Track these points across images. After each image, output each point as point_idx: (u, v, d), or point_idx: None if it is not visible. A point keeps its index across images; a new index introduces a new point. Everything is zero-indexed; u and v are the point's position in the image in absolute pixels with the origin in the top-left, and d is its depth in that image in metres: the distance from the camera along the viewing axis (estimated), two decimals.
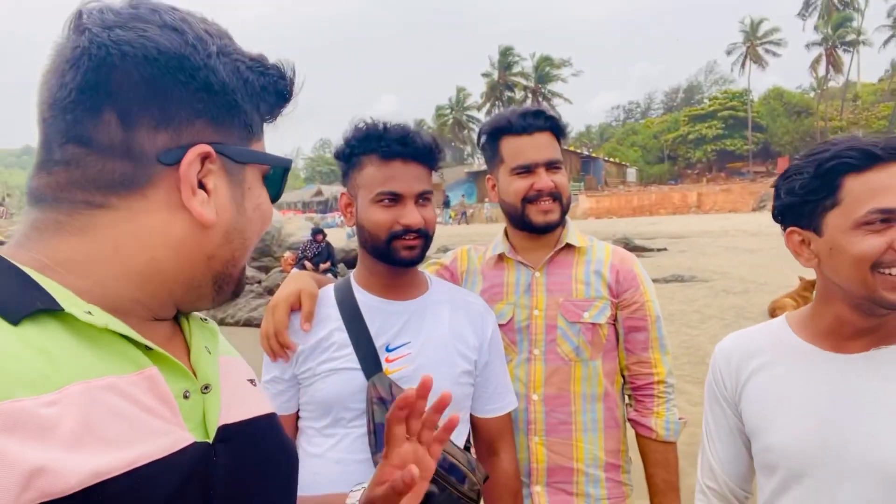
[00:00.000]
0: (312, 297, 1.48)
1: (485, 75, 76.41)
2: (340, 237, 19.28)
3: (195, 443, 0.64)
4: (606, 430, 1.68)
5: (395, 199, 1.40)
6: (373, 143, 1.40)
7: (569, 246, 1.74)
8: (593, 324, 1.66)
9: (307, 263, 11.95)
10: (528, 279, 1.73)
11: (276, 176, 0.76)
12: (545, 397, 1.67)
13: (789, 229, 1.18)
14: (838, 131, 50.26)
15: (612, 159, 64.02)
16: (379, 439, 1.33)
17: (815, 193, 1.10)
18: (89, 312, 0.60)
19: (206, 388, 0.70)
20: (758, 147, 59.02)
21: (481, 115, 78.90)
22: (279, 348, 1.44)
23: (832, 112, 58.87)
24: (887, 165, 1.04)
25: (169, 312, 0.71)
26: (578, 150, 67.92)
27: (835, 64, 59.18)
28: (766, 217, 29.41)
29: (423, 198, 1.43)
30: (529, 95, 75.88)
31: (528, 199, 1.68)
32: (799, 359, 1.20)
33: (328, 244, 12.91)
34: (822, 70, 59.55)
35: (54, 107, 0.63)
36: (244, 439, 0.72)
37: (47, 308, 0.58)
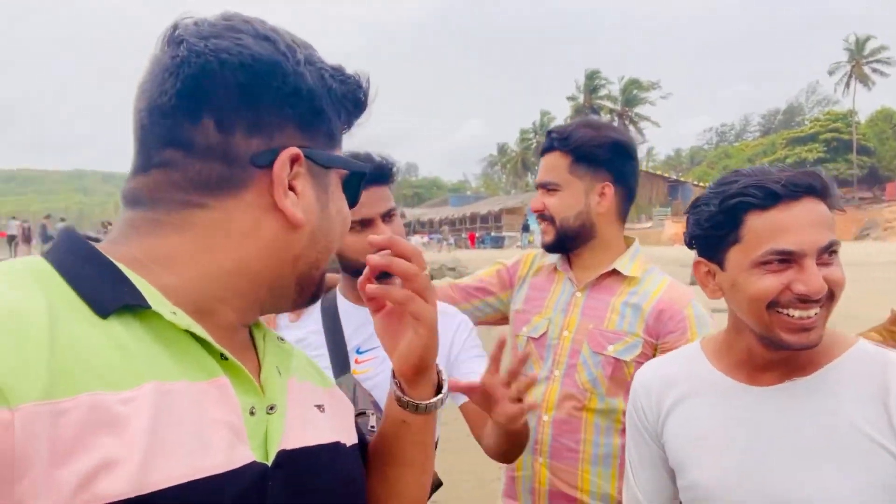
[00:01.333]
0: None
1: (570, 99, 75.96)
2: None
3: (253, 462, 0.63)
4: (624, 467, 1.61)
5: (365, 223, 1.48)
6: None
7: (619, 273, 1.68)
8: (616, 359, 1.60)
9: None
10: (569, 297, 1.73)
11: (354, 182, 0.79)
12: (555, 420, 1.65)
13: (696, 260, 1.18)
14: None
15: (701, 183, 61.72)
16: None
17: (719, 228, 1.09)
18: (174, 313, 0.61)
19: (272, 408, 0.69)
20: (864, 172, 55.23)
21: None
22: None
23: None
24: (789, 204, 1.02)
25: (252, 315, 0.73)
26: (666, 175, 66.03)
27: None
28: (869, 246, 27.38)
29: (388, 216, 1.51)
30: (616, 119, 74.69)
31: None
32: (715, 391, 1.18)
33: None
34: None
35: (153, 112, 0.66)
36: (303, 466, 0.69)
37: (136, 304, 0.60)
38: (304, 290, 0.75)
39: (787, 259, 1.02)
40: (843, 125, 56.30)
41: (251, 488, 0.61)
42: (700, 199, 1.15)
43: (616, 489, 1.60)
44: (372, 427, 1.41)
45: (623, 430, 1.59)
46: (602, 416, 1.62)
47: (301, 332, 1.56)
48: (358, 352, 1.53)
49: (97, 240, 0.68)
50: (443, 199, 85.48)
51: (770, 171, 1.08)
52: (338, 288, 1.65)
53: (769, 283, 1.03)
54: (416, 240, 25.61)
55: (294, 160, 0.69)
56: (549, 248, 1.74)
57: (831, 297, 1.03)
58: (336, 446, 0.78)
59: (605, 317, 1.65)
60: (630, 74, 73.46)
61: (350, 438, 0.83)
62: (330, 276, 1.73)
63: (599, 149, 1.68)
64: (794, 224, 1.01)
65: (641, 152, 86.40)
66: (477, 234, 50.14)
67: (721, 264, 1.12)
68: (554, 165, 1.70)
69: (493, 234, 50.04)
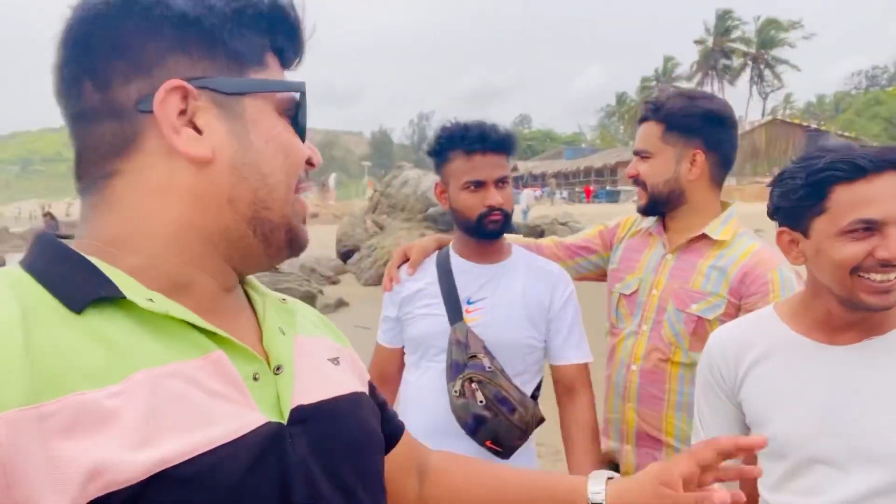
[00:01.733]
0: (421, 251, 1.88)
1: (698, 42, 71.20)
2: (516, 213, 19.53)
3: (267, 423, 0.63)
4: None
5: (479, 185, 1.70)
6: (457, 141, 1.73)
7: (709, 237, 1.76)
8: (699, 317, 1.70)
9: None
10: (659, 259, 1.85)
11: (300, 108, 0.72)
12: (642, 370, 1.79)
13: (780, 229, 1.27)
14: None
15: (846, 133, 56.28)
16: (454, 373, 1.67)
17: (805, 200, 1.18)
18: (150, 300, 0.60)
19: (279, 368, 0.69)
20: None
21: (691, 87, 73.86)
22: (387, 282, 1.88)
23: None
24: (874, 177, 1.11)
25: (230, 277, 0.70)
26: (805, 124, 60.77)
27: None
28: None
29: (501, 182, 1.72)
30: (749, 63, 69.24)
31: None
32: (795, 351, 1.27)
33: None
34: None
35: (57, 99, 0.66)
36: (322, 419, 0.70)
37: (109, 295, 0.59)
38: (271, 240, 0.69)
39: (871, 227, 1.11)
40: None
41: (269, 449, 0.62)
42: (784, 173, 1.24)
43: None
44: (488, 367, 1.64)
45: None
46: (685, 369, 1.74)
47: (420, 283, 1.81)
48: (468, 302, 1.76)
49: (70, 236, 0.67)
50: (556, 152, 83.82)
51: (854, 146, 1.16)
52: (451, 245, 1.88)
53: (854, 249, 1.12)
54: (528, 193, 25.40)
55: (185, 94, 0.64)
56: (643, 211, 1.87)
57: None
58: (355, 397, 0.78)
59: (690, 278, 1.75)
60: (768, 13, 67.29)
61: (364, 389, 0.83)
62: (442, 237, 1.96)
63: (690, 118, 1.75)
64: (879, 195, 1.10)
65: (777, 98, 79.93)
66: (591, 188, 49.01)
67: (806, 232, 1.21)
68: (648, 134, 1.81)
69: (608, 188, 48.70)
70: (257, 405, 0.64)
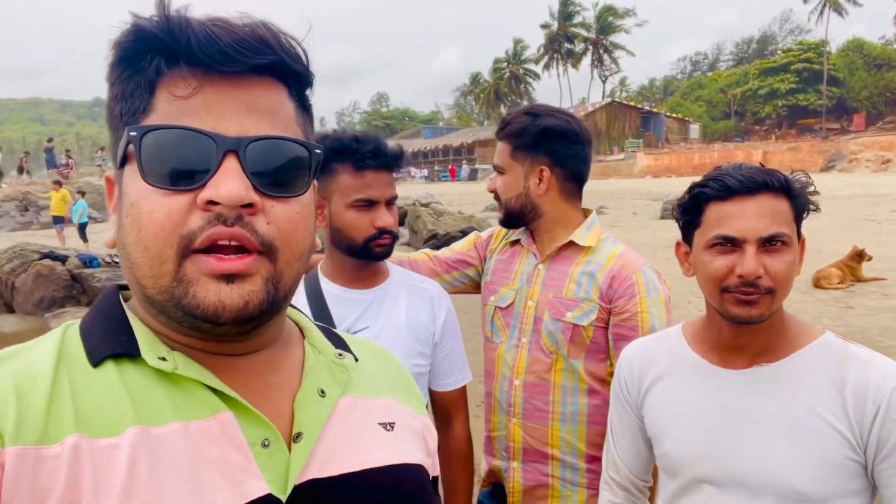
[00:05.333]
0: None
1: (543, 26, 74.31)
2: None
3: (267, 496, 0.59)
4: (591, 424, 1.73)
5: (371, 204, 1.54)
6: (347, 154, 1.53)
7: (576, 244, 1.78)
8: (574, 324, 1.71)
9: None
10: (532, 269, 1.82)
11: (150, 151, 0.59)
12: (525, 384, 1.77)
13: (677, 241, 1.30)
14: None
15: (674, 115, 61.80)
16: None
17: (687, 213, 1.24)
18: (163, 358, 0.60)
19: (298, 436, 0.64)
20: (833, 102, 55.68)
21: (539, 69, 77.15)
22: None
23: None
24: (742, 198, 1.14)
25: (216, 346, 0.64)
26: (639, 105, 65.78)
27: None
28: (834, 179, 27.93)
29: (391, 202, 1.59)
30: (590, 48, 73.46)
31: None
32: (691, 371, 1.29)
33: None
34: None
35: None
36: (341, 496, 0.64)
37: (125, 353, 0.60)
38: (173, 317, 0.61)
39: (732, 244, 1.14)
40: (814, 55, 56.35)
41: None
42: (689, 188, 1.28)
43: (584, 443, 1.75)
44: None
45: (587, 391, 1.73)
46: (568, 378, 1.74)
47: None
48: (349, 333, 1.58)
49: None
50: (415, 131, 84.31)
51: (740, 168, 1.18)
52: (319, 269, 1.68)
53: (717, 264, 1.16)
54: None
55: (110, 179, 0.66)
56: (503, 224, 1.88)
57: (770, 291, 1.13)
58: (401, 469, 0.70)
59: (563, 286, 1.76)
60: (605, 1, 71.61)
61: (423, 462, 0.75)
62: (313, 257, 1.76)
63: (533, 136, 1.76)
64: (740, 214, 1.14)
65: (614, 82, 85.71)
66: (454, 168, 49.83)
67: (690, 245, 1.25)
68: (500, 151, 1.82)
69: (465, 166, 49.79)
70: (262, 474, 0.60)
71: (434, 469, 0.78)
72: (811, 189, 1.19)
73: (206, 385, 0.61)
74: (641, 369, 1.37)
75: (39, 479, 0.51)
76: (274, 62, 0.61)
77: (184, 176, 0.57)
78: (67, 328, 0.64)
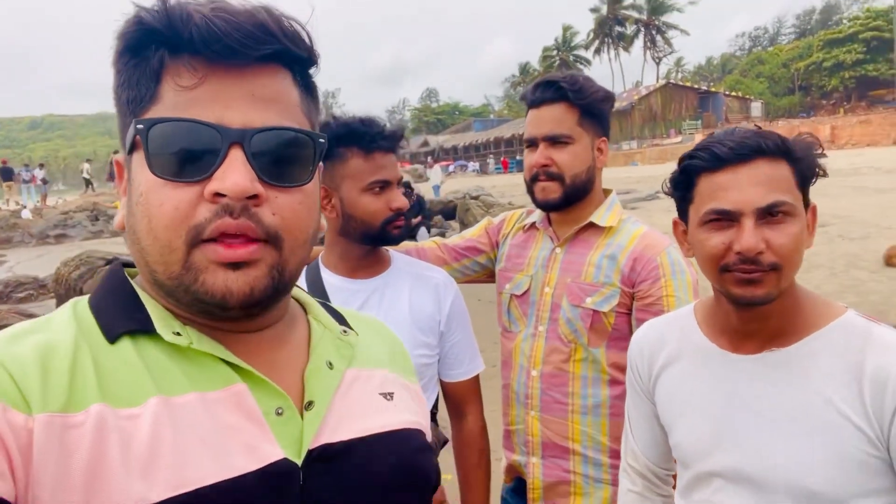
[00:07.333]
0: None
1: (593, 10, 72.81)
2: (427, 189, 19.44)
3: (282, 460, 0.62)
4: (613, 417, 1.63)
5: (385, 186, 1.50)
6: (355, 138, 1.49)
7: (596, 226, 1.67)
8: (594, 311, 1.61)
9: None
10: (548, 254, 1.73)
11: (157, 142, 0.60)
12: (543, 374, 1.68)
13: (674, 219, 1.19)
14: None
15: (734, 93, 59.52)
16: None
17: (679, 188, 1.13)
18: (178, 333, 0.62)
19: (310, 405, 0.68)
20: None
21: (589, 55, 75.70)
22: None
23: None
24: (734, 167, 1.03)
25: (223, 323, 0.66)
26: (696, 86, 63.66)
27: None
28: None
29: (400, 183, 1.55)
30: (642, 29, 71.54)
31: (532, 178, 1.68)
32: (700, 356, 1.19)
33: (419, 197, 13.09)
34: None
35: None
36: (352, 458, 0.68)
37: (139, 329, 0.62)
38: (182, 300, 0.63)
39: (728, 218, 1.03)
40: (884, 22, 53.15)
41: (282, 487, 0.61)
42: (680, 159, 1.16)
43: (607, 437, 1.64)
44: None
45: (609, 382, 1.63)
46: (588, 368, 1.64)
47: None
48: None
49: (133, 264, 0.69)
50: (466, 125, 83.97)
51: (732, 133, 1.06)
52: (320, 260, 1.65)
53: (713, 241, 1.05)
54: (438, 169, 25.08)
55: (118, 162, 0.67)
56: (555, 206, 1.68)
57: (775, 266, 1.01)
58: (403, 434, 0.75)
59: (582, 270, 1.65)
60: None
61: (420, 425, 0.79)
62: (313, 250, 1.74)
63: (604, 103, 1.65)
64: (734, 184, 1.03)
65: (669, 63, 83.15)
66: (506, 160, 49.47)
67: (686, 223, 1.14)
68: (562, 118, 1.63)
69: (518, 157, 49.36)
70: (277, 441, 0.63)
71: (428, 431, 0.82)
72: (817, 151, 1.06)
73: (219, 358, 0.63)
74: (651, 353, 1.27)
75: (66, 445, 0.53)
76: (277, 51, 0.61)
77: (190, 168, 0.59)
78: (76, 305, 0.65)
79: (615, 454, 1.62)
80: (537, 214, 1.78)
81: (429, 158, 53.68)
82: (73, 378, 0.57)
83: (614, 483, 1.63)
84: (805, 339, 1.07)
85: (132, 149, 0.62)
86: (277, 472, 0.61)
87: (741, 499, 1.10)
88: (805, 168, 1.04)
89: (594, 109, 1.64)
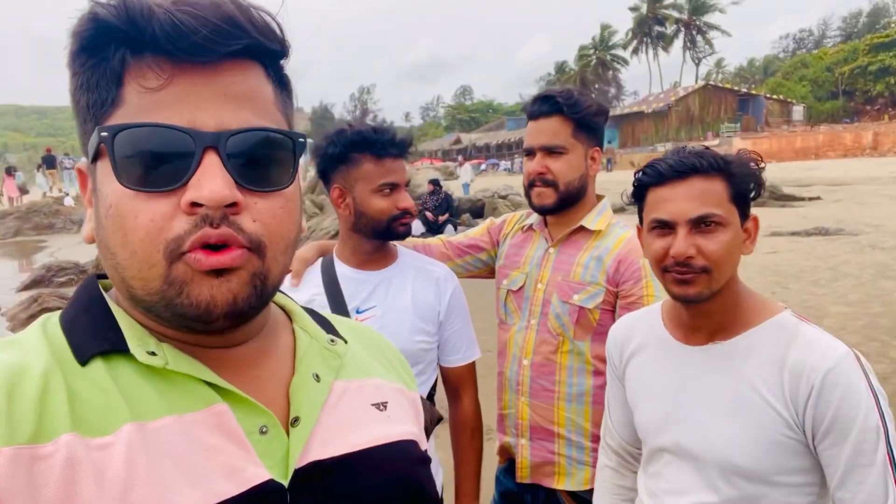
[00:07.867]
0: (301, 262, 1.82)
1: (632, 9, 71.98)
2: (457, 187, 19.54)
3: (268, 482, 0.59)
4: (595, 405, 1.78)
5: (394, 187, 1.69)
6: (369, 145, 1.69)
7: (587, 229, 1.82)
8: (580, 307, 1.77)
9: (428, 215, 12.35)
10: (542, 253, 1.90)
11: (123, 150, 0.55)
12: (533, 364, 1.85)
13: (637, 225, 1.35)
14: None
15: (775, 96, 58.29)
16: None
17: (636, 200, 1.30)
18: (153, 353, 0.59)
19: (296, 421, 0.64)
20: None
21: (627, 54, 74.87)
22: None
23: None
24: (673, 182, 1.20)
25: (203, 339, 0.63)
26: (736, 88, 62.50)
27: None
28: None
29: (407, 185, 1.75)
30: (682, 29, 70.51)
31: (529, 185, 1.85)
32: (660, 347, 1.35)
33: (447, 195, 13.24)
34: None
35: None
36: (342, 475, 0.65)
37: (113, 349, 0.58)
38: (162, 315, 0.58)
39: (667, 227, 1.20)
40: None
41: None
42: None
43: (589, 422, 1.81)
44: None
45: (593, 373, 1.79)
46: (574, 359, 1.80)
47: (307, 294, 1.76)
48: (358, 311, 1.73)
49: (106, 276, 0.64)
50: (499, 123, 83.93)
51: (678, 153, 1.23)
52: (334, 252, 1.84)
53: (656, 245, 1.23)
54: (468, 167, 25.13)
55: (83, 172, 0.63)
56: (550, 210, 1.84)
57: (706, 269, 1.17)
58: (397, 446, 0.71)
59: (571, 269, 1.81)
60: None
61: (415, 436, 0.76)
62: (324, 244, 1.92)
63: (597, 117, 1.81)
64: (672, 197, 1.19)
65: (709, 64, 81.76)
66: None
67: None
68: (557, 130, 1.79)
69: None
70: (262, 461, 0.60)
71: (424, 442, 0.80)
72: (756, 168, 1.21)
73: (198, 378, 0.60)
74: (623, 342, 1.44)
75: (34, 479, 0.50)
76: (248, 45, 0.56)
77: (162, 176, 0.55)
78: (46, 322, 0.62)
79: (596, 438, 1.77)
80: (535, 217, 1.95)
81: (459, 157, 53.91)
82: (42, 405, 0.53)
83: (595, 465, 1.77)
84: (744, 333, 1.23)
85: (96, 157, 0.57)
86: (263, 494, 0.58)
87: (684, 472, 1.26)
88: (739, 182, 1.19)
89: (587, 122, 1.79)
